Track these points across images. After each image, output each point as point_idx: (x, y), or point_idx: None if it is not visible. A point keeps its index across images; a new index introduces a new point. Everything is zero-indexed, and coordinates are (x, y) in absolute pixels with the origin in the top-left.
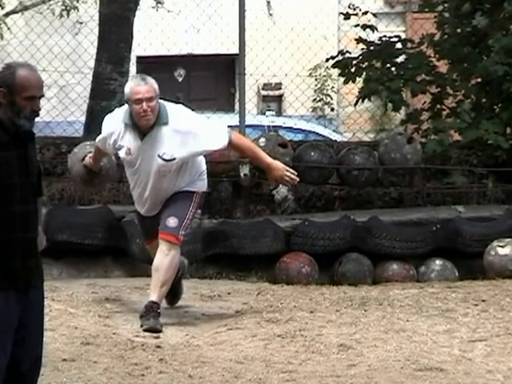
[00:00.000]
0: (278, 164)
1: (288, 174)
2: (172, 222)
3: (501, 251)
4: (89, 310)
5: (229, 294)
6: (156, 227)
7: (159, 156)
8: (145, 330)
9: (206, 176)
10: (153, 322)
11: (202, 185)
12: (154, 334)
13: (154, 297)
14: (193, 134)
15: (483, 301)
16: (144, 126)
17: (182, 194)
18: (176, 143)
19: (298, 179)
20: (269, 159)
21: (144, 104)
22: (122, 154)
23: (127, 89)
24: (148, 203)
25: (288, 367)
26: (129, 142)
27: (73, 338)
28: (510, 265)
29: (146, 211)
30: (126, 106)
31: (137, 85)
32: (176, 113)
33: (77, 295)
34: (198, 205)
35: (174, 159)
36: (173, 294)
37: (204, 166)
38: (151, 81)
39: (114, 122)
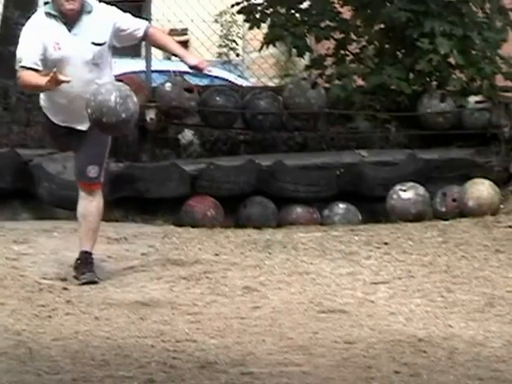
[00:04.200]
0: (189, 57)
1: (200, 61)
2: (92, 171)
3: (403, 195)
4: None
5: (135, 236)
6: (69, 144)
7: (92, 43)
8: (82, 284)
9: None
10: (89, 276)
11: None
12: (61, 277)
13: (86, 246)
14: (117, 17)
15: (386, 244)
16: (70, 13)
17: (97, 136)
18: (104, 27)
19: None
20: (182, 53)
21: None
22: (49, 52)
23: None
24: (70, 108)
25: (193, 309)
26: (56, 35)
27: None
28: (412, 208)
29: (64, 120)
30: (40, 9)
31: None
32: (97, 3)
33: None
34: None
35: (105, 42)
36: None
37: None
38: None
39: (36, 23)
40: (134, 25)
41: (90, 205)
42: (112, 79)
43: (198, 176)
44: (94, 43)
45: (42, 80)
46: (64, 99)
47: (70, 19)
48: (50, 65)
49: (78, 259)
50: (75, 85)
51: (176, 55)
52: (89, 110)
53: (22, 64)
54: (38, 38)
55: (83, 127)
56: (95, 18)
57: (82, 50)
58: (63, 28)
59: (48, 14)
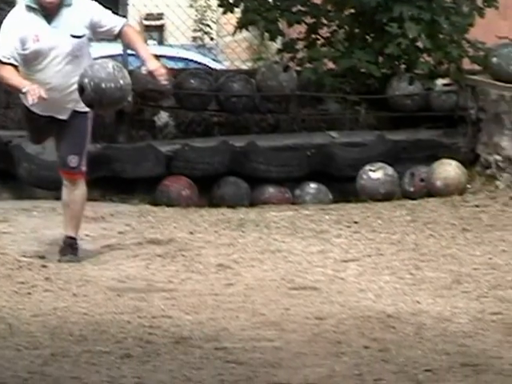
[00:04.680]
0: (152, 62)
1: (160, 72)
2: (73, 161)
3: (372, 175)
4: None
5: (112, 215)
6: (50, 133)
7: (72, 35)
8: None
9: None
10: (70, 258)
11: None
12: (40, 255)
13: (70, 232)
14: (96, 13)
15: (355, 222)
16: (49, 6)
17: (77, 125)
18: (82, 20)
19: (166, 83)
20: (147, 57)
21: None
22: (28, 44)
23: None
24: (49, 99)
25: (168, 286)
26: (35, 28)
27: None
28: (381, 188)
29: (44, 110)
30: (21, 2)
31: None
32: None
33: None
34: (91, 122)
35: (84, 35)
36: None
37: None
38: None
39: (16, 17)
40: (111, 22)
41: (72, 194)
42: None
43: (174, 157)
44: (72, 35)
45: (21, 84)
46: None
47: (49, 12)
48: (30, 57)
49: (62, 243)
50: (54, 76)
51: (139, 56)
52: (85, 81)
53: (0, 58)
54: (16, 33)
55: (63, 116)
56: (75, 11)
57: (61, 42)
58: (43, 21)
59: (28, 8)
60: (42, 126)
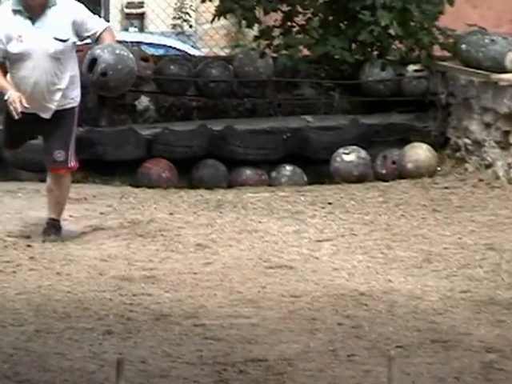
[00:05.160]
0: None
1: None
2: (59, 155)
3: (346, 158)
4: None
5: (94, 197)
6: (24, 139)
7: (55, 38)
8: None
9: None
10: (54, 238)
11: (78, 94)
12: (25, 235)
13: (52, 214)
14: (80, 13)
15: (330, 204)
16: (33, 6)
17: (63, 122)
18: (66, 24)
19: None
20: None
21: None
22: (12, 44)
23: None
24: (30, 97)
25: (149, 265)
26: (19, 29)
27: None
28: (355, 170)
29: (31, 107)
30: (7, 2)
31: None
32: None
33: None
34: (78, 115)
35: (68, 39)
36: None
37: (79, 74)
38: None
39: (1, 17)
40: (94, 27)
41: (56, 183)
42: (76, 72)
43: (154, 140)
44: (56, 38)
45: (4, 88)
46: (24, 87)
47: (33, 13)
48: (14, 57)
49: (46, 224)
50: (37, 76)
51: None
52: (106, 54)
53: None
54: (1, 32)
55: (46, 115)
56: (59, 12)
57: (43, 43)
58: (27, 21)
59: (14, 8)
60: (24, 126)
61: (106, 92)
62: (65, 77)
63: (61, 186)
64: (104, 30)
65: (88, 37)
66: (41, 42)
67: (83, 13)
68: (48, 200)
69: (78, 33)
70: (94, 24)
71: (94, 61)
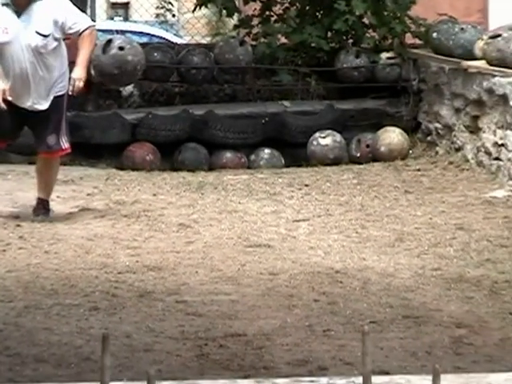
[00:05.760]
0: (78, 72)
1: (76, 83)
2: (51, 139)
3: (322, 141)
4: None
5: (81, 178)
6: (15, 131)
7: (37, 32)
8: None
9: (68, 73)
10: (43, 218)
11: (66, 83)
12: (14, 215)
13: (41, 194)
14: (65, 10)
15: (306, 185)
16: (19, 0)
17: (53, 109)
18: (49, 19)
19: (72, 93)
20: (79, 64)
21: None
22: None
23: None
24: (13, 87)
25: (133, 244)
26: (6, 21)
27: None
28: (330, 154)
29: (16, 98)
30: None
31: None
32: None
33: None
34: (67, 101)
35: (50, 34)
36: None
37: (67, 63)
38: None
39: None
40: (78, 25)
41: (46, 165)
42: (64, 64)
43: (138, 124)
44: (38, 33)
45: None
46: (11, 79)
47: (19, 7)
48: (2, 47)
49: (35, 204)
50: (20, 66)
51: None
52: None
53: None
54: None
55: (38, 107)
56: (44, 7)
57: (26, 36)
58: (13, 15)
59: (2, 1)
60: (11, 118)
61: (122, 70)
62: (51, 70)
63: (50, 168)
64: (86, 29)
65: (74, 34)
66: (23, 35)
67: (68, 9)
68: (37, 181)
69: (62, 29)
70: (77, 22)
71: (109, 41)
